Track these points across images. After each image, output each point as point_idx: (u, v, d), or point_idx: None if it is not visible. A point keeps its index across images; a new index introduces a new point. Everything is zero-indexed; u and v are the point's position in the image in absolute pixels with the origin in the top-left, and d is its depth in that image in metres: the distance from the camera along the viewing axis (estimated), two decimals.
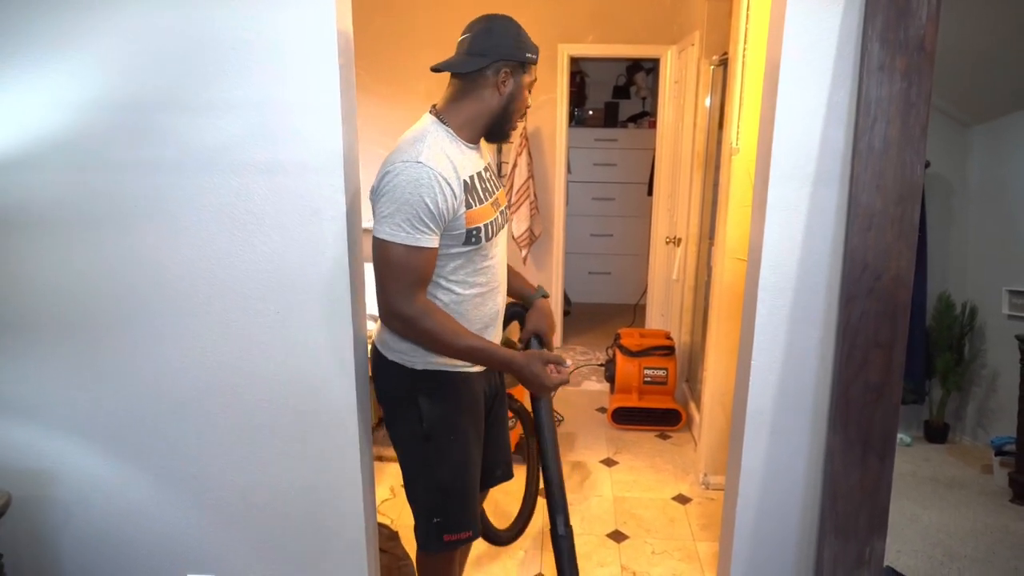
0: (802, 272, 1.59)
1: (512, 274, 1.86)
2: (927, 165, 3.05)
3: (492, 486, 1.95)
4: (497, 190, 1.69)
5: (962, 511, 2.76)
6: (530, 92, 1.64)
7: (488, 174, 1.67)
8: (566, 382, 1.65)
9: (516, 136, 4.40)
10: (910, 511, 2.75)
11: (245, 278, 1.61)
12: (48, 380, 1.68)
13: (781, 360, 1.63)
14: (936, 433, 3.43)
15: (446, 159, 1.50)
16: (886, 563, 2.22)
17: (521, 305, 1.88)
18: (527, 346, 1.86)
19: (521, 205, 4.41)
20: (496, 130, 1.63)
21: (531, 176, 4.44)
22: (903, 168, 1.50)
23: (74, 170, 1.57)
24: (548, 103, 4.50)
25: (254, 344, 1.64)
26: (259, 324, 1.63)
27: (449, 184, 1.47)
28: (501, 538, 2.51)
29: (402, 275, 1.47)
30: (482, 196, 1.58)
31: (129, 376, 1.67)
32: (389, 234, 1.45)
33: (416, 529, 1.73)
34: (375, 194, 1.49)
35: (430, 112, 1.60)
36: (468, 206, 1.53)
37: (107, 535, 1.78)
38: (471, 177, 1.56)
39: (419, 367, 1.62)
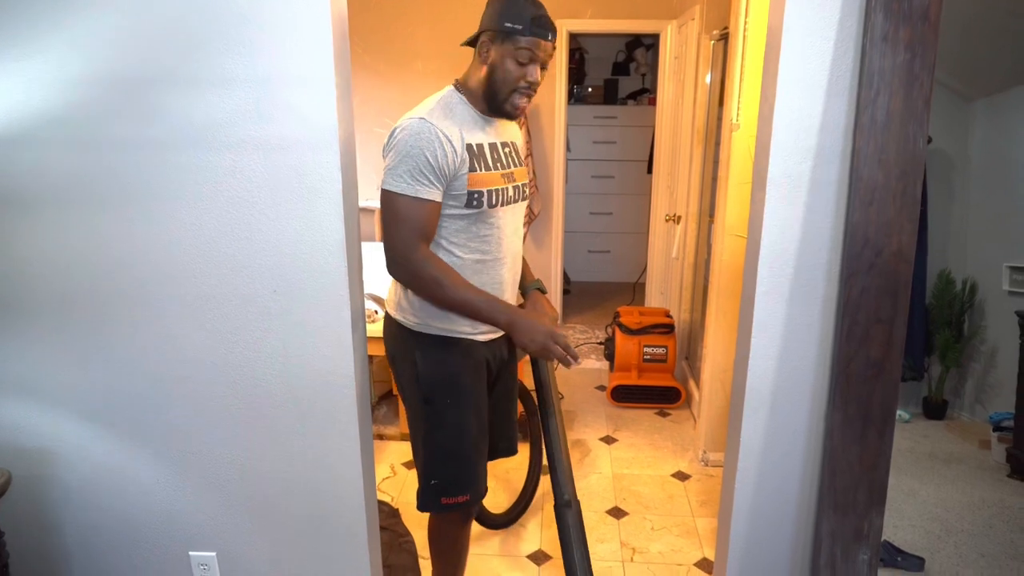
0: (802, 248, 1.57)
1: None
2: (929, 141, 3.03)
3: (493, 459, 1.97)
4: (515, 167, 1.74)
5: (960, 486, 2.78)
6: (522, 64, 1.57)
7: (507, 149, 1.72)
8: (567, 360, 1.59)
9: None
10: (908, 486, 2.76)
11: (241, 256, 1.59)
12: (47, 359, 1.68)
13: (781, 336, 1.63)
14: (935, 409, 3.44)
15: (452, 120, 1.57)
16: (884, 538, 2.24)
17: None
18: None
19: None
20: (491, 103, 1.63)
21: (530, 154, 4.41)
22: (905, 142, 1.48)
23: (64, 147, 1.55)
24: (546, 80, 4.45)
25: (251, 322, 1.63)
26: (256, 302, 1.62)
27: (450, 141, 1.54)
28: (496, 522, 2.53)
29: (405, 225, 1.54)
30: (490, 164, 1.64)
31: (127, 354, 1.67)
32: (392, 185, 1.53)
33: (417, 489, 1.79)
34: (384, 150, 1.58)
35: (455, 81, 1.68)
36: (472, 168, 1.58)
37: (109, 514, 1.79)
38: (479, 144, 1.62)
39: (418, 329, 1.67)
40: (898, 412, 3.35)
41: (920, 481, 2.81)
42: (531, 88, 1.60)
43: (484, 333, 1.74)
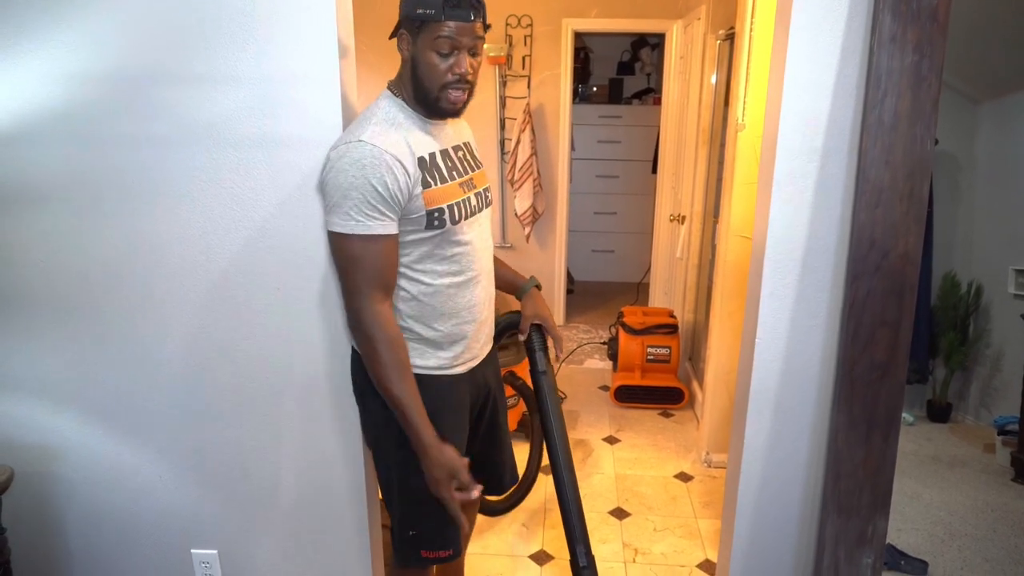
0: (808, 249, 1.57)
1: (499, 264, 1.73)
2: (936, 143, 3.01)
3: (503, 493, 1.85)
4: (473, 170, 1.55)
5: (964, 490, 2.76)
6: (446, 53, 1.35)
7: (461, 153, 1.53)
8: (448, 502, 1.45)
9: (519, 113, 4.36)
10: (912, 490, 2.75)
11: (245, 253, 1.59)
12: (49, 355, 1.68)
13: (785, 338, 1.62)
14: (939, 412, 3.42)
15: (396, 134, 1.37)
16: (888, 541, 2.23)
17: (518, 312, 1.75)
18: (528, 338, 1.73)
19: (524, 182, 4.38)
20: (424, 103, 1.42)
21: (534, 153, 4.40)
22: (913, 143, 1.47)
23: (69, 144, 1.56)
24: (551, 79, 4.45)
25: (254, 319, 1.63)
26: (259, 299, 1.62)
27: (399, 161, 1.34)
28: (494, 509, 2.52)
29: (360, 270, 1.35)
30: (446, 175, 1.45)
31: (130, 351, 1.67)
32: (340, 225, 1.33)
33: (392, 540, 1.61)
34: (320, 184, 1.38)
35: (388, 84, 1.48)
36: (426, 185, 1.39)
37: (111, 511, 1.79)
38: (431, 154, 1.43)
39: None
40: (902, 415, 3.33)
41: (924, 484, 2.80)
42: (463, 80, 1.38)
43: (463, 364, 1.56)
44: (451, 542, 1.58)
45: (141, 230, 1.59)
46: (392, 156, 1.33)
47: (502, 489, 1.81)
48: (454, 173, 1.47)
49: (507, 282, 1.76)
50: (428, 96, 1.40)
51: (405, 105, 1.43)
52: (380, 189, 1.32)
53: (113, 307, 1.64)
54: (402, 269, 1.44)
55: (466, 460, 1.48)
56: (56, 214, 1.60)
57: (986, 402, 3.36)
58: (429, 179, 1.40)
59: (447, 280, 1.48)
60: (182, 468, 1.75)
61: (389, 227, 1.36)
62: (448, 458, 1.43)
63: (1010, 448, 2.91)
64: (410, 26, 1.36)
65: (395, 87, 1.45)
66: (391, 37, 1.44)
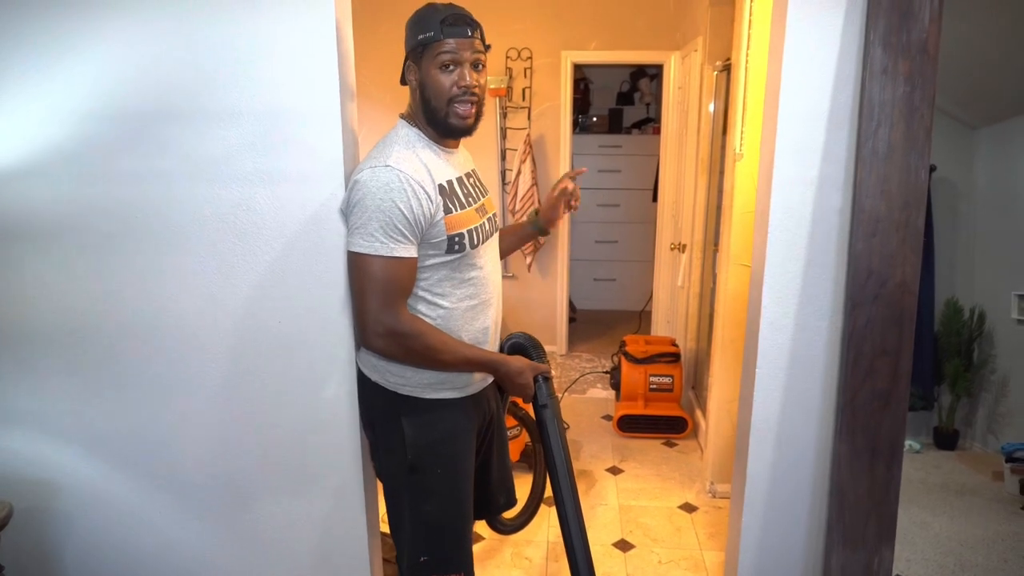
0: (806, 279, 1.57)
1: (504, 234, 1.81)
2: (933, 169, 3.03)
3: (497, 515, 1.89)
4: (483, 196, 1.62)
5: (973, 518, 2.72)
6: (449, 68, 1.42)
7: (472, 180, 1.61)
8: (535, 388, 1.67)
9: (520, 144, 4.41)
10: (920, 518, 2.71)
11: (247, 288, 1.60)
12: (50, 391, 1.68)
13: (786, 367, 1.62)
14: (946, 440, 3.39)
15: (418, 161, 1.44)
16: (896, 572, 2.19)
17: (519, 334, 1.81)
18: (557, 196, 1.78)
19: (526, 212, 4.41)
20: (436, 125, 1.48)
21: (535, 183, 4.43)
22: (907, 173, 1.48)
23: (75, 181, 1.57)
24: (551, 110, 4.50)
25: (256, 354, 1.63)
26: (261, 335, 1.62)
27: (423, 187, 1.41)
28: (507, 528, 2.48)
29: (383, 290, 1.40)
30: (464, 201, 1.51)
31: (130, 387, 1.67)
32: (364, 246, 1.39)
33: (400, 567, 1.64)
34: (346, 206, 1.45)
35: (400, 116, 1.55)
36: (447, 211, 1.46)
37: (110, 546, 1.78)
38: (449, 182, 1.49)
39: (403, 392, 1.54)
40: (908, 442, 3.30)
41: (932, 513, 2.76)
42: (469, 93, 1.44)
43: (473, 387, 1.61)
44: (462, 565, 1.61)
45: (142, 266, 1.61)
46: (417, 182, 1.40)
47: (496, 510, 1.86)
48: (470, 199, 1.54)
49: (517, 234, 1.86)
50: (437, 115, 1.46)
51: (421, 134, 1.50)
52: (406, 213, 1.38)
53: (113, 343, 1.65)
54: (421, 293, 1.50)
55: (540, 365, 1.67)
56: (60, 249, 1.61)
57: (993, 428, 3.33)
58: (450, 205, 1.47)
59: (464, 304, 1.54)
60: (182, 503, 1.74)
61: (410, 250, 1.42)
62: (522, 362, 1.61)
63: (1019, 475, 2.88)
64: (414, 55, 1.45)
65: (408, 118, 1.53)
66: (403, 83, 1.52)
